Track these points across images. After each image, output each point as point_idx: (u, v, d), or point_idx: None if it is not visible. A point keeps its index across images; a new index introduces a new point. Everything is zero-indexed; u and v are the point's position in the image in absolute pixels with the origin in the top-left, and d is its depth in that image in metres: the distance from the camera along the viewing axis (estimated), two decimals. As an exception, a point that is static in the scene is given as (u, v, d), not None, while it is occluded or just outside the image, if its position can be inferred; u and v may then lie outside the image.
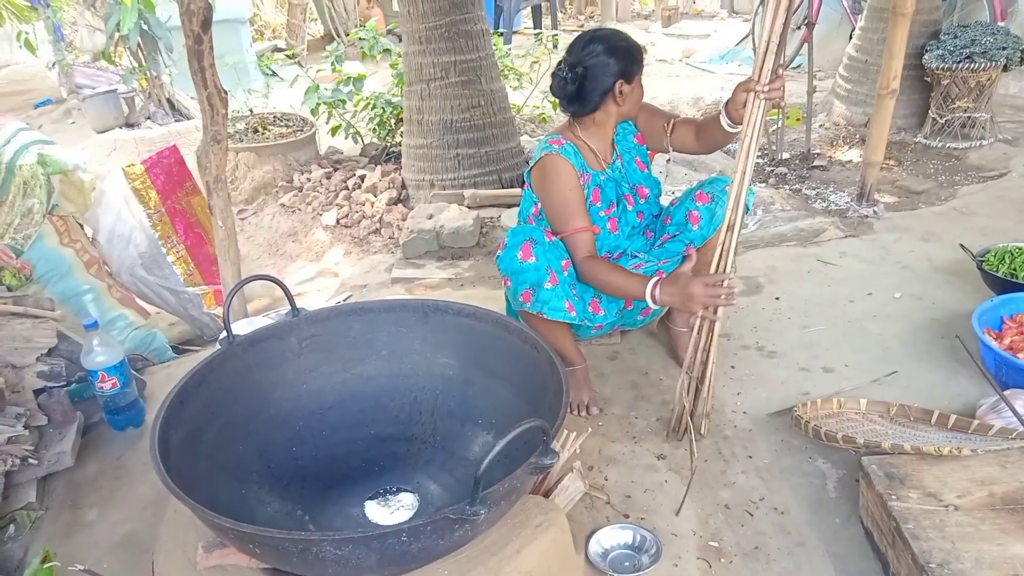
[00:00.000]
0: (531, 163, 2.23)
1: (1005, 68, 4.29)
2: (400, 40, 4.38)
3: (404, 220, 3.92)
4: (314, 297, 3.59)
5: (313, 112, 5.01)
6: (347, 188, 4.51)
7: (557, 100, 2.22)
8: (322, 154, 5.19)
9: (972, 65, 4.20)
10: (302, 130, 5.21)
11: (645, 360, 2.52)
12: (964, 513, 1.56)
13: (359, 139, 5.13)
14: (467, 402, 1.79)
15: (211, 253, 3.29)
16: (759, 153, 4.61)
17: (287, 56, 7.95)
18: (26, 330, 2.24)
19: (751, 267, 3.08)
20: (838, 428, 1.96)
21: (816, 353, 2.49)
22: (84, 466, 2.15)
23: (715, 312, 1.93)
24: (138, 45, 5.27)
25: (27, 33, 6.20)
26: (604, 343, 2.59)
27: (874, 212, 3.59)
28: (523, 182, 4.19)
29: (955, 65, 4.24)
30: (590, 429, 2.12)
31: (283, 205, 4.62)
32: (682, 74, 7.47)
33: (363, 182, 4.48)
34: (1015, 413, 1.87)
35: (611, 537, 1.78)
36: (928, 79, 4.49)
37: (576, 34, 2.27)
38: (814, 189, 4.07)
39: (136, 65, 5.52)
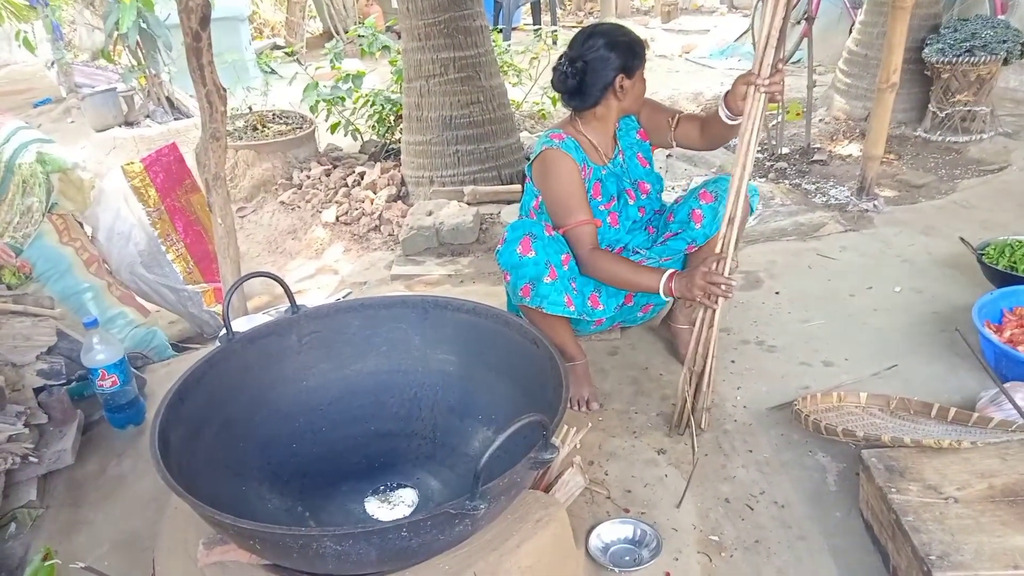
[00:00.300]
0: (532, 157, 2.23)
1: (1005, 62, 4.28)
2: (399, 37, 4.38)
3: (404, 217, 3.92)
4: (314, 294, 3.59)
5: (312, 109, 5.01)
6: (346, 185, 4.51)
7: (558, 95, 2.22)
8: (321, 151, 5.19)
9: (972, 59, 4.19)
10: (301, 127, 5.20)
11: (645, 356, 2.52)
12: (964, 505, 1.56)
13: (358, 136, 5.12)
14: (467, 398, 1.79)
15: (211, 251, 3.29)
16: (759, 148, 4.61)
17: (286, 53, 7.95)
18: (26, 328, 2.24)
19: (751, 262, 3.08)
20: (838, 422, 1.96)
21: (816, 347, 2.49)
22: (84, 464, 2.15)
23: (715, 301, 1.94)
24: (137, 43, 5.26)
25: (26, 32, 6.19)
26: (604, 339, 2.59)
27: (874, 206, 3.59)
28: (523, 177, 4.20)
29: (955, 59, 4.23)
30: (590, 424, 2.12)
31: (282, 202, 4.62)
32: (681, 69, 7.46)
33: (362, 179, 4.48)
34: (1015, 406, 1.87)
35: (611, 531, 1.78)
36: (928, 73, 4.48)
37: (575, 30, 2.27)
38: (814, 183, 4.06)
39: (135, 63, 5.52)
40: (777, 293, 2.86)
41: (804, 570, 1.68)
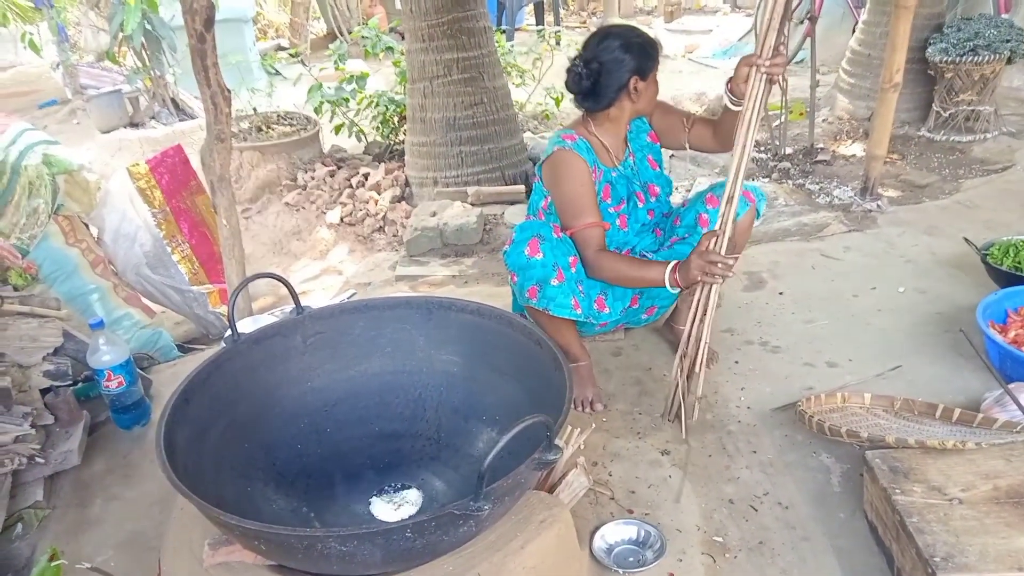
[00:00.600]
0: (542, 157, 2.23)
1: (1009, 61, 4.27)
2: (403, 38, 4.38)
3: (408, 218, 3.92)
4: (318, 295, 3.60)
5: (316, 111, 5.02)
6: (351, 186, 4.52)
7: (571, 95, 2.22)
8: (326, 152, 5.20)
9: (976, 58, 4.18)
10: (305, 129, 5.22)
11: (649, 356, 2.52)
12: (968, 507, 1.56)
13: (362, 137, 5.13)
14: (471, 398, 1.80)
15: (216, 252, 3.30)
16: (763, 148, 4.62)
17: (290, 55, 7.96)
18: (32, 329, 2.25)
19: (754, 262, 3.08)
20: (842, 422, 1.96)
21: (820, 348, 2.49)
22: (91, 465, 2.16)
23: (716, 279, 1.96)
24: (142, 45, 5.28)
25: (31, 34, 6.22)
26: (608, 339, 2.59)
27: (878, 206, 3.58)
28: (526, 178, 4.21)
29: (959, 58, 4.22)
30: (594, 425, 2.13)
31: (287, 204, 4.63)
32: (685, 69, 7.46)
33: (367, 180, 4.49)
34: (1020, 406, 1.87)
35: (615, 532, 1.78)
36: (931, 72, 4.48)
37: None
38: (817, 184, 4.06)
39: (140, 65, 5.53)
40: (781, 294, 2.86)
41: (808, 571, 1.68)
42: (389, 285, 3.33)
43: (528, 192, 4.06)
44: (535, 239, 2.03)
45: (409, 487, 1.72)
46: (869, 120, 4.49)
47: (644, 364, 2.48)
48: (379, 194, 4.32)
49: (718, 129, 2.22)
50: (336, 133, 5.12)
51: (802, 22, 5.26)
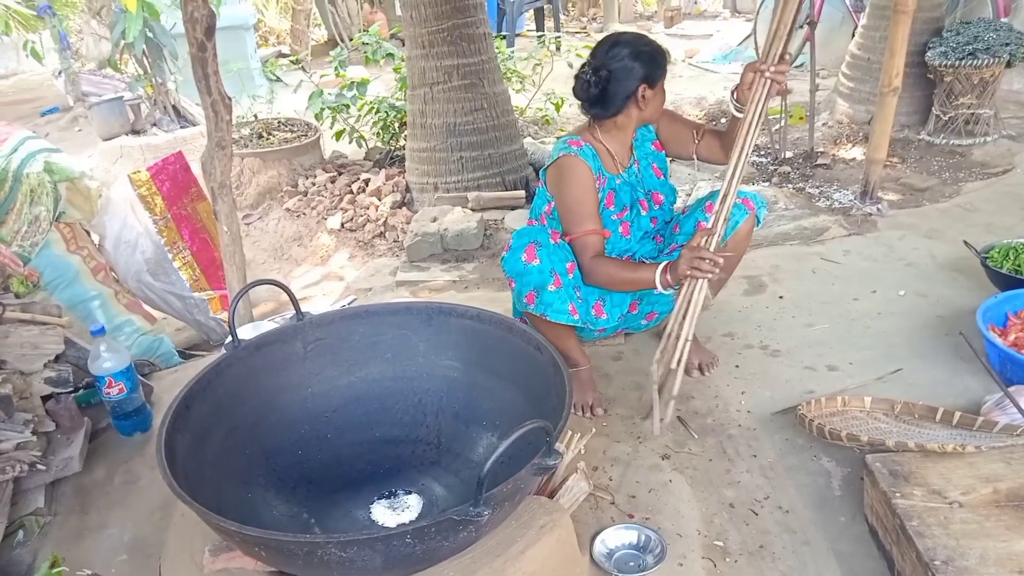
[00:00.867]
0: (548, 161, 2.24)
1: (1008, 64, 4.27)
2: (403, 44, 4.40)
3: (408, 223, 3.93)
4: (319, 301, 3.61)
5: (317, 117, 5.03)
6: (351, 192, 4.53)
7: (579, 102, 2.21)
8: (326, 159, 5.21)
9: (975, 62, 4.19)
10: (306, 135, 5.23)
11: (649, 361, 2.49)
12: (968, 510, 1.56)
13: (363, 143, 5.14)
14: (471, 404, 1.80)
15: (217, 258, 3.31)
16: (763, 152, 4.62)
17: (291, 62, 7.99)
18: (34, 337, 2.26)
19: (755, 266, 3.08)
20: (842, 426, 1.96)
21: (820, 351, 2.49)
22: (92, 471, 2.16)
23: (705, 274, 1.96)
24: (143, 53, 5.30)
25: (33, 42, 6.25)
26: (608, 344, 2.59)
27: (878, 210, 3.58)
28: (527, 183, 4.21)
29: (958, 62, 4.23)
30: (594, 430, 2.12)
31: (288, 210, 4.64)
32: (684, 74, 7.46)
33: (367, 186, 4.50)
34: (1020, 410, 1.87)
35: (616, 537, 1.78)
36: (931, 76, 4.48)
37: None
38: (817, 187, 4.06)
39: (141, 72, 5.56)
40: (781, 297, 2.86)
41: (808, 575, 1.68)
42: (390, 291, 3.33)
43: (528, 198, 4.06)
44: (532, 245, 2.04)
45: (409, 492, 1.72)
46: (869, 124, 4.49)
47: (644, 369, 2.47)
48: (380, 200, 4.32)
49: (726, 139, 2.22)
50: (337, 139, 5.13)
51: (802, 26, 5.25)
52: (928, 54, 4.39)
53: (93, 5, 6.50)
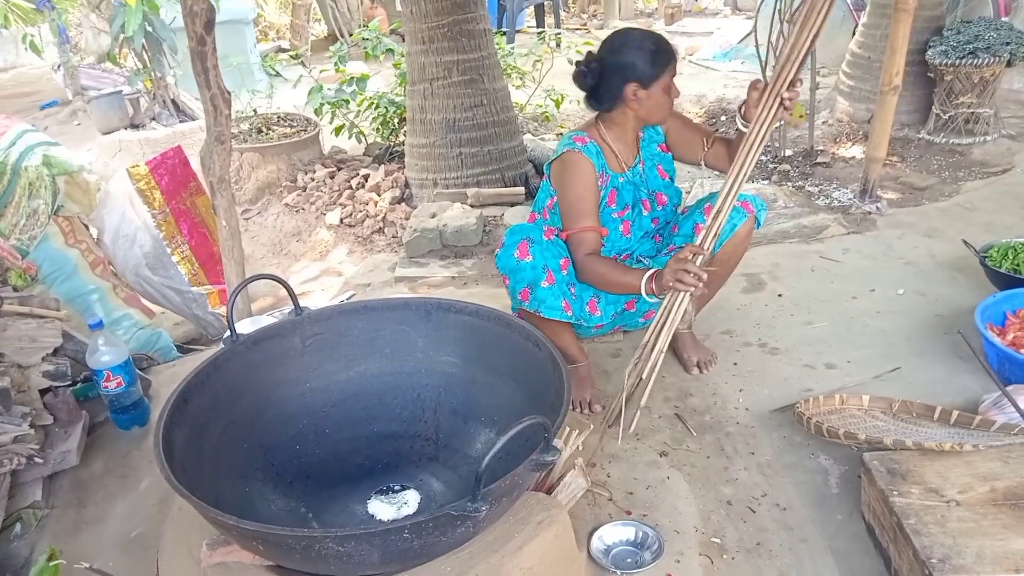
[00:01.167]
0: (552, 156, 2.24)
1: (1009, 63, 4.27)
2: (403, 40, 4.39)
3: (407, 219, 3.93)
4: (318, 296, 3.61)
5: (317, 112, 5.03)
6: (351, 187, 4.53)
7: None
8: (326, 154, 5.20)
9: (975, 61, 4.19)
10: (306, 130, 5.22)
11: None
12: (966, 508, 1.56)
13: (362, 139, 5.14)
14: (470, 399, 1.80)
15: (215, 253, 3.31)
16: (762, 150, 4.62)
17: (291, 56, 7.97)
18: (32, 330, 2.25)
19: (754, 264, 3.08)
20: (840, 424, 1.96)
21: (819, 349, 2.49)
22: (89, 465, 2.16)
23: (688, 287, 1.94)
24: (143, 47, 5.29)
25: (33, 36, 6.24)
26: (607, 341, 2.59)
27: (877, 208, 3.59)
28: (526, 180, 4.21)
29: (958, 61, 4.23)
30: (592, 426, 2.13)
31: (287, 205, 4.64)
32: (685, 72, 7.45)
33: (366, 181, 4.50)
34: (1017, 409, 1.87)
35: (613, 533, 1.78)
36: (931, 75, 4.48)
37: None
38: (817, 186, 4.06)
39: (141, 66, 5.54)
40: (780, 295, 2.86)
41: (806, 573, 1.68)
42: (388, 286, 3.33)
43: (528, 194, 4.06)
44: (524, 242, 2.05)
45: (407, 488, 1.72)
46: (869, 122, 4.49)
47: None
48: (379, 195, 4.32)
49: (732, 150, 2.20)
50: (336, 135, 5.13)
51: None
52: (928, 53, 4.39)
53: (92, -1, 6.49)
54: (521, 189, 4.07)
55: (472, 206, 3.88)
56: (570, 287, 2.10)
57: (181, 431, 1.47)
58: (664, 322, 2.04)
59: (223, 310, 3.33)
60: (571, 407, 2.06)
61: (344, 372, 1.85)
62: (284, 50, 9.43)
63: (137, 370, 2.34)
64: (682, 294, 1.99)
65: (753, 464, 2.01)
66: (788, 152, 4.55)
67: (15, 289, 2.54)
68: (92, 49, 8.13)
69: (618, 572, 1.69)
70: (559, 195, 2.20)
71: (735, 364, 2.45)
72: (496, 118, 4.10)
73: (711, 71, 7.41)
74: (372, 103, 4.99)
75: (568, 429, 1.81)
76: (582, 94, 2.21)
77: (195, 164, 3.28)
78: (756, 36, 4.46)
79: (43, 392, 2.18)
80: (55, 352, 2.28)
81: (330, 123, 5.12)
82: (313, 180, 4.74)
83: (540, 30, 7.15)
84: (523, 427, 1.21)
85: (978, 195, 3.73)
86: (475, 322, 1.81)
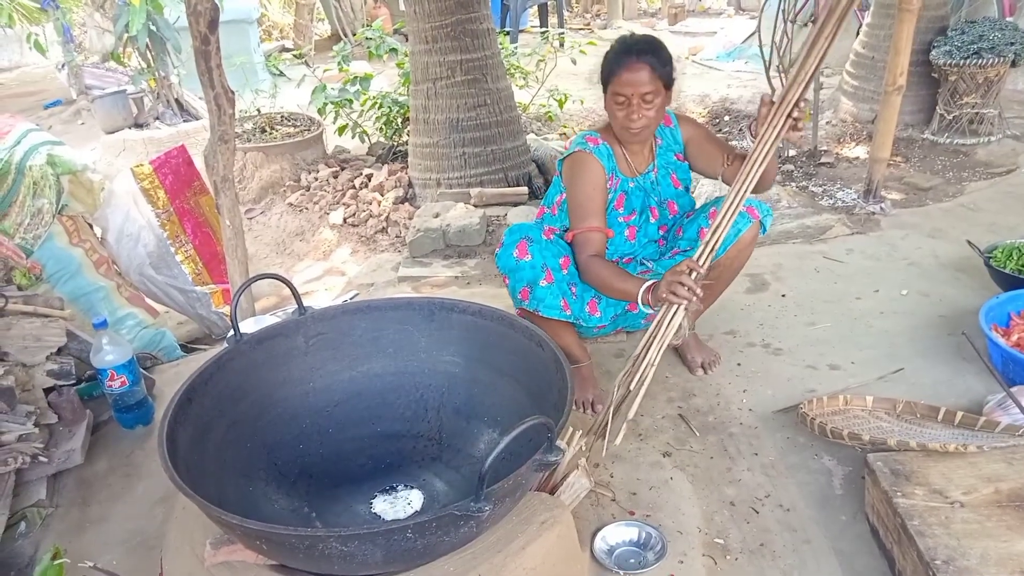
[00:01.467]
0: (565, 153, 2.23)
1: (1013, 64, 4.26)
2: (407, 39, 4.39)
3: (411, 219, 3.93)
4: (321, 296, 3.61)
5: (320, 112, 5.03)
6: (354, 187, 4.53)
7: None
8: (329, 153, 5.21)
9: (980, 61, 4.18)
10: (309, 130, 5.23)
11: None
12: (970, 510, 1.56)
13: (366, 138, 5.14)
14: (473, 399, 1.80)
15: (219, 252, 3.31)
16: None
17: (294, 56, 7.99)
18: (36, 329, 2.26)
19: (757, 264, 3.08)
20: (844, 425, 1.96)
21: (822, 350, 2.49)
22: (94, 464, 2.17)
23: (682, 300, 1.88)
24: (147, 46, 5.30)
25: (37, 35, 6.25)
26: (610, 341, 2.59)
27: (881, 209, 3.58)
28: (529, 179, 4.21)
29: (963, 61, 4.22)
30: (591, 426, 2.12)
31: (290, 204, 4.64)
32: (688, 72, 7.45)
33: (370, 181, 4.50)
34: (1022, 410, 1.86)
35: (616, 534, 1.78)
36: (935, 75, 4.47)
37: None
38: (821, 186, 4.06)
39: (145, 66, 5.56)
40: (783, 296, 2.86)
41: (809, 574, 1.68)
42: (392, 286, 3.33)
43: (531, 194, 4.06)
44: (523, 241, 2.05)
45: (410, 487, 1.72)
46: (873, 123, 4.49)
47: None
48: (382, 195, 4.32)
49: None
50: (339, 134, 5.13)
51: (805, 25, 5.25)
52: (933, 53, 4.39)
53: (97, -2, 6.51)
54: (524, 189, 4.06)
55: (475, 206, 3.88)
56: (571, 286, 2.10)
57: (185, 430, 1.48)
58: (656, 335, 2.00)
59: (227, 309, 3.33)
60: (574, 407, 2.06)
61: (347, 372, 1.85)
62: (288, 50, 9.45)
63: (141, 369, 2.35)
64: (676, 308, 1.94)
65: (757, 465, 2.01)
66: (792, 152, 4.54)
67: (19, 288, 2.55)
68: (96, 48, 8.14)
69: (621, 573, 1.69)
70: (568, 193, 2.20)
71: (739, 364, 2.44)
72: (499, 118, 4.10)
73: (714, 71, 7.40)
74: (375, 103, 4.99)
75: (571, 429, 1.81)
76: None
77: (199, 163, 3.29)
78: (760, 36, 4.46)
79: (47, 391, 2.19)
80: (59, 351, 2.28)
81: (334, 123, 5.12)
82: (317, 180, 4.74)
83: (543, 30, 7.14)
84: (526, 427, 1.21)
85: (982, 196, 3.73)
86: (478, 322, 1.81)
